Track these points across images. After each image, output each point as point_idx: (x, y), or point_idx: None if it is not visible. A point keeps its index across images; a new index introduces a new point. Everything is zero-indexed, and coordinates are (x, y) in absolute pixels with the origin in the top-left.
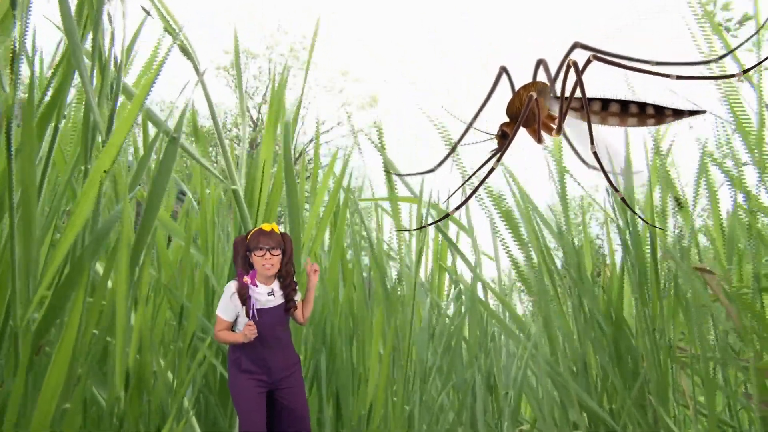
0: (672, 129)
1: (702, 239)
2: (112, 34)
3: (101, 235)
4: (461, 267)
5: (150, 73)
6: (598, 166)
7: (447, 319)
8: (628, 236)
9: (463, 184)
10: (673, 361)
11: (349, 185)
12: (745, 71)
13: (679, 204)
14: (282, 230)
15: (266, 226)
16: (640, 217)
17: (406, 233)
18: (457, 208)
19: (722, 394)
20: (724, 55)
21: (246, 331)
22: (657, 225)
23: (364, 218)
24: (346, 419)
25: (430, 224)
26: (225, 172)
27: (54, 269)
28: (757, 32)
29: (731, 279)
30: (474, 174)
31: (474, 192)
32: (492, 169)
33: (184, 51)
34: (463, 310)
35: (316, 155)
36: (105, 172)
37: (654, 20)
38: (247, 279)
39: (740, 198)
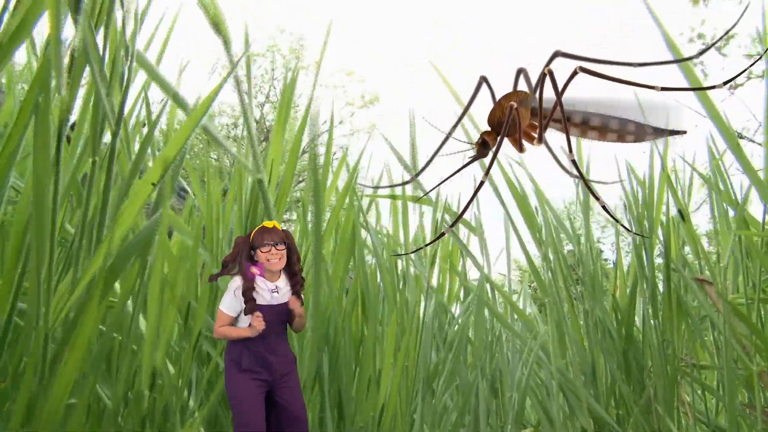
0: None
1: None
2: (124, 22)
3: (137, 247)
4: (469, 267)
5: (208, 95)
6: (576, 173)
7: (452, 320)
8: (644, 252)
9: (436, 186)
10: (677, 371)
11: (352, 184)
12: (727, 82)
13: (682, 216)
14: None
15: (268, 223)
16: (623, 225)
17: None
18: (458, 217)
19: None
20: (704, 51)
21: (254, 322)
22: (642, 233)
23: (365, 216)
24: (348, 420)
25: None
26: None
27: (88, 277)
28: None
29: (728, 290)
30: (450, 177)
31: (470, 202)
32: (482, 183)
33: (216, 27)
34: (469, 311)
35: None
36: (153, 185)
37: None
38: (255, 270)
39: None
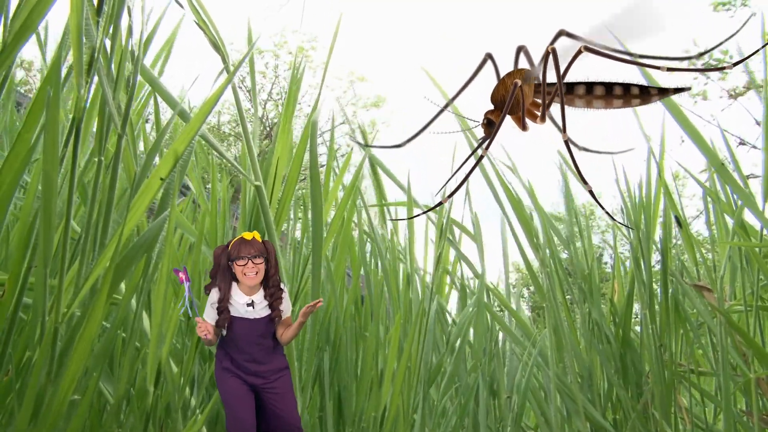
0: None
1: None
2: (130, 25)
3: (146, 244)
4: (464, 270)
5: (206, 104)
6: (572, 150)
7: (452, 323)
8: (640, 254)
9: (453, 175)
10: (675, 376)
11: (357, 185)
12: (736, 63)
13: (679, 223)
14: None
15: (247, 235)
16: (611, 217)
17: (422, 236)
18: (449, 196)
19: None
20: (712, 48)
21: (197, 329)
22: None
23: (370, 219)
24: (348, 419)
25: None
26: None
27: (97, 274)
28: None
29: (725, 296)
30: (464, 163)
31: (463, 181)
32: (481, 157)
33: (214, 45)
34: (469, 315)
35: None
36: (162, 179)
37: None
38: (181, 275)
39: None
